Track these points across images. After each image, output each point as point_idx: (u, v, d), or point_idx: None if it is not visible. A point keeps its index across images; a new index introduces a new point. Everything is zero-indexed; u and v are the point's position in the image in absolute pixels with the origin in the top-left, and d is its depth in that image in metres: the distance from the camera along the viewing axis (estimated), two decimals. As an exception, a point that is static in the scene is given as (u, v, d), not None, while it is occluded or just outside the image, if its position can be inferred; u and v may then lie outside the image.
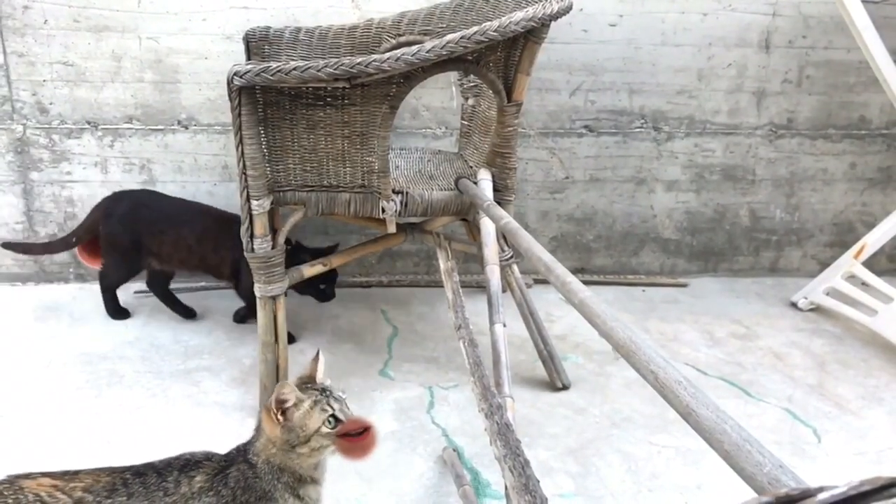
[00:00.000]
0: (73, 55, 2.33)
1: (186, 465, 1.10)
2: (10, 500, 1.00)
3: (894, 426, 1.86)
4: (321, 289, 2.17)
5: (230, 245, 2.01)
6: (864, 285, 2.37)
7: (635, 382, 1.79)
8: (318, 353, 1.19)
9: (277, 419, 1.08)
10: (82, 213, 2.46)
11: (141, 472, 1.07)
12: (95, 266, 2.29)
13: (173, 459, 1.11)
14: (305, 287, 2.05)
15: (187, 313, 2.28)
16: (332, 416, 1.10)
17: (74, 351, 2.08)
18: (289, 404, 1.09)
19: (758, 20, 2.52)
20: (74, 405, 1.83)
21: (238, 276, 2.13)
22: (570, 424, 1.81)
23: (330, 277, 2.14)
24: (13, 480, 1.03)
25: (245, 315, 2.26)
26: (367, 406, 1.84)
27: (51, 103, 2.37)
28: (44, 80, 2.34)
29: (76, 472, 1.05)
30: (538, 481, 0.88)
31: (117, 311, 2.27)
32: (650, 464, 1.67)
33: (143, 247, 2.16)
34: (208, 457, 1.13)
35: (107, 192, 2.45)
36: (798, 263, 2.83)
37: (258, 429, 1.14)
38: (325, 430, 1.09)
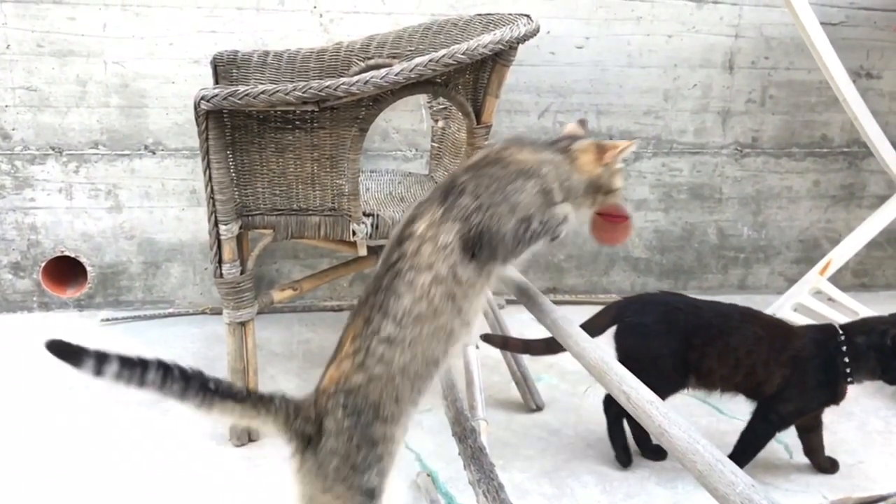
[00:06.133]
0: (36, 80, 2.29)
1: (400, 237, 1.06)
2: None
3: (863, 441, 1.88)
4: None
5: (784, 360, 1.66)
6: (830, 301, 2.41)
7: (609, 402, 1.79)
8: (582, 120, 1.28)
9: (608, 161, 1.16)
10: (46, 240, 2.41)
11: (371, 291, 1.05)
12: (60, 295, 2.22)
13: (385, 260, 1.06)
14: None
15: (657, 455, 1.78)
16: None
17: (40, 379, 2.02)
18: (622, 157, 1.17)
19: (721, 41, 2.57)
20: (42, 434, 1.78)
21: (775, 398, 1.68)
22: (544, 446, 1.80)
23: None
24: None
25: (739, 452, 1.70)
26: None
27: (13, 129, 2.33)
28: (6, 106, 2.30)
29: (340, 342, 1.05)
30: (512, 505, 0.87)
31: (625, 450, 1.75)
32: (625, 484, 1.67)
33: (687, 363, 1.69)
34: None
35: (72, 219, 2.41)
36: (766, 280, 2.87)
37: (562, 146, 1.19)
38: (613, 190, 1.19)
